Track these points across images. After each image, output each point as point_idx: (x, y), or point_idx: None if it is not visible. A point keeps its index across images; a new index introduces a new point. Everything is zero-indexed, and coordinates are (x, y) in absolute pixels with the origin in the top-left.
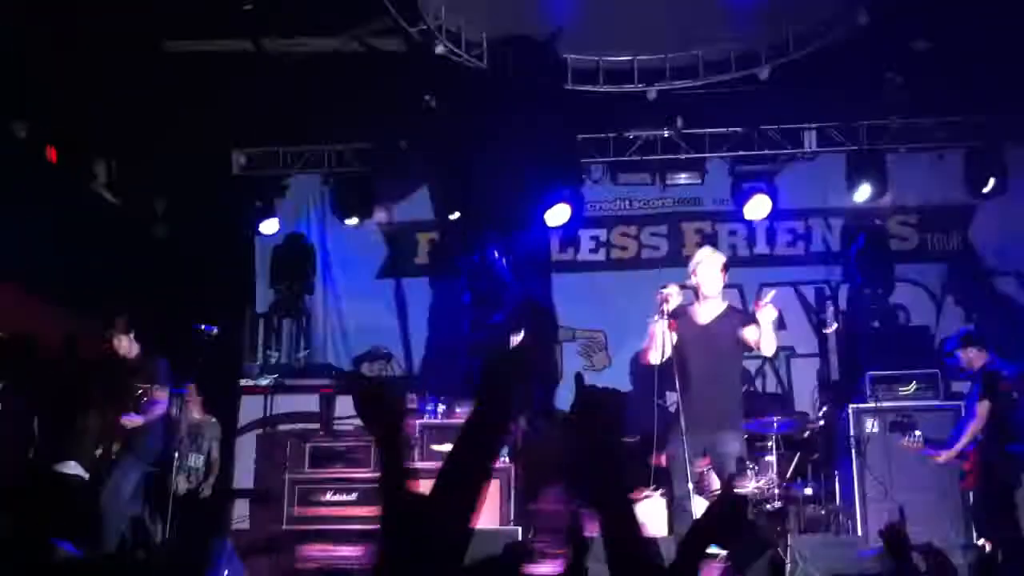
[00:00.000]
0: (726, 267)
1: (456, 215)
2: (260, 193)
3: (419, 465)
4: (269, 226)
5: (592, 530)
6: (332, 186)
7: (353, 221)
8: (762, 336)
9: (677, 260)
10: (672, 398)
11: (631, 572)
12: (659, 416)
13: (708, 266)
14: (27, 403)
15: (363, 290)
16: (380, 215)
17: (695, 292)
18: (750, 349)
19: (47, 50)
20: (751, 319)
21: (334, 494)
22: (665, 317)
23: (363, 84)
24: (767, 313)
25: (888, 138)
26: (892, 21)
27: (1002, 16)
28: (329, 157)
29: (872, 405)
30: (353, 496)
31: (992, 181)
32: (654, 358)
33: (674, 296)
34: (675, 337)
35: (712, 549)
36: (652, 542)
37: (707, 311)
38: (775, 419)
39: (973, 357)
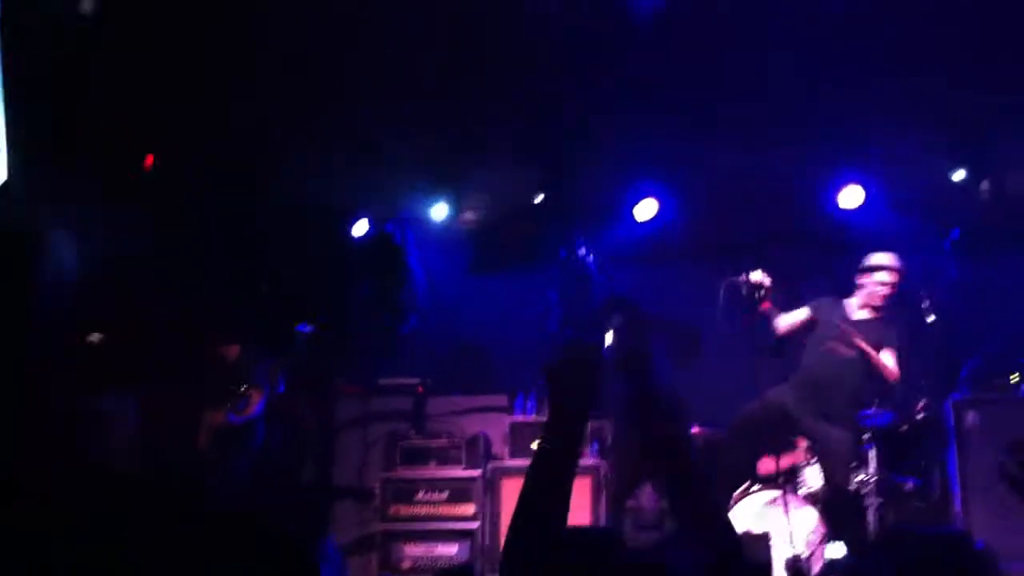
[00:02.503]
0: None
1: (541, 197)
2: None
3: (512, 463)
4: (360, 227)
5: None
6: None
7: (441, 215)
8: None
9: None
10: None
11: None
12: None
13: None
14: (133, 404)
15: (451, 289)
16: (468, 213)
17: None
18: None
19: None
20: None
21: (426, 493)
22: (761, 299)
23: None
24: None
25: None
26: None
27: None
28: None
29: (972, 397)
30: (445, 495)
31: None
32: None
33: (760, 280)
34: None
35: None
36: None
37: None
38: (874, 411)
39: None
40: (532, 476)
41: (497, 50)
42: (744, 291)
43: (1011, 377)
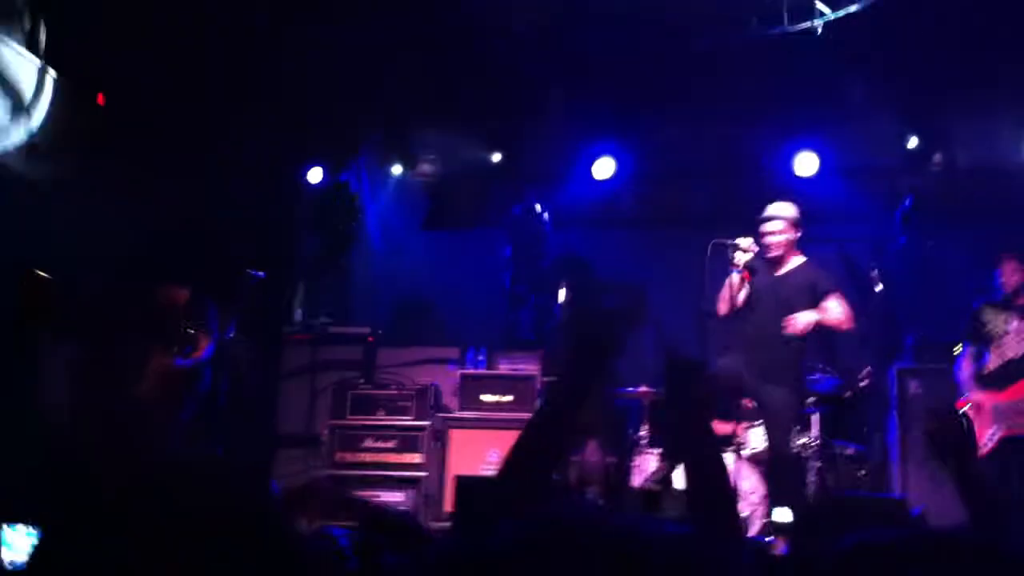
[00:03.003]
0: (796, 222)
1: (498, 157)
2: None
3: (461, 415)
4: (314, 175)
5: (633, 481)
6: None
7: (398, 170)
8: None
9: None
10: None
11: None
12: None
13: (774, 222)
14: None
15: (404, 242)
16: (423, 166)
17: (765, 248)
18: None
19: None
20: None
21: (374, 441)
22: (740, 269)
23: None
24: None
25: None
26: None
27: None
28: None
29: (916, 366)
30: (392, 443)
31: None
32: (723, 309)
33: (746, 247)
34: (748, 289)
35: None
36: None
37: (787, 264)
38: (818, 376)
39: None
40: (528, 433)
41: (454, 11)
42: (729, 254)
43: (955, 348)
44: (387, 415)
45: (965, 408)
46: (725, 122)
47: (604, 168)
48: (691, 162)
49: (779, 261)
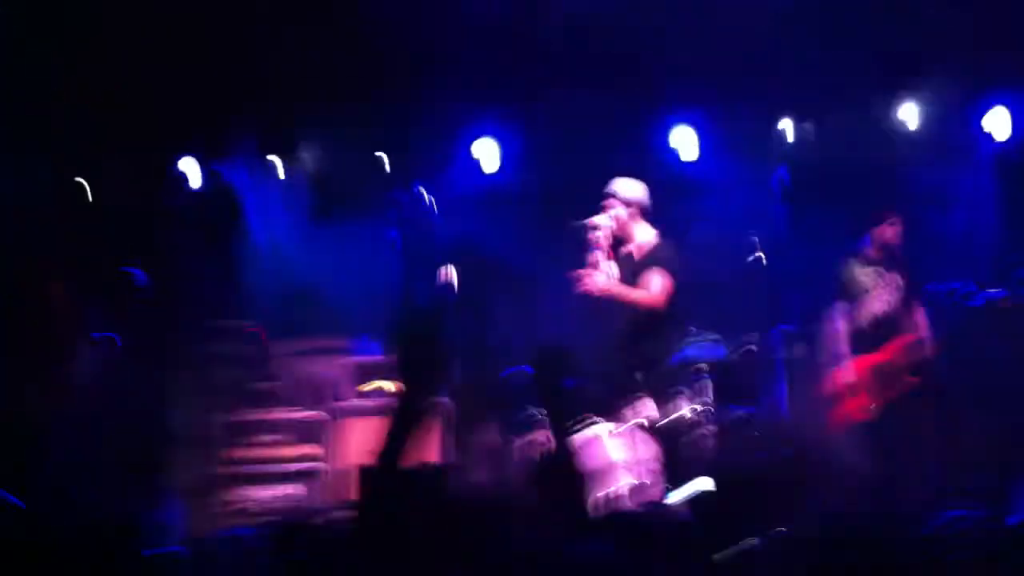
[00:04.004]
0: (632, 201)
1: (382, 155)
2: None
3: (357, 404)
4: (193, 170)
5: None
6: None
7: (276, 160)
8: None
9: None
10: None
11: None
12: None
13: (610, 200)
14: None
15: (290, 233)
16: (305, 157)
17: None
18: None
19: None
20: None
21: (268, 435)
22: (599, 248)
23: None
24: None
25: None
26: None
27: None
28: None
29: (799, 330)
30: (288, 436)
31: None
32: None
33: (604, 225)
34: (616, 269)
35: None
36: None
37: (634, 242)
38: (707, 343)
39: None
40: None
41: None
42: (586, 235)
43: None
44: (281, 408)
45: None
46: (606, 100)
47: (487, 151)
48: (574, 141)
49: (627, 239)
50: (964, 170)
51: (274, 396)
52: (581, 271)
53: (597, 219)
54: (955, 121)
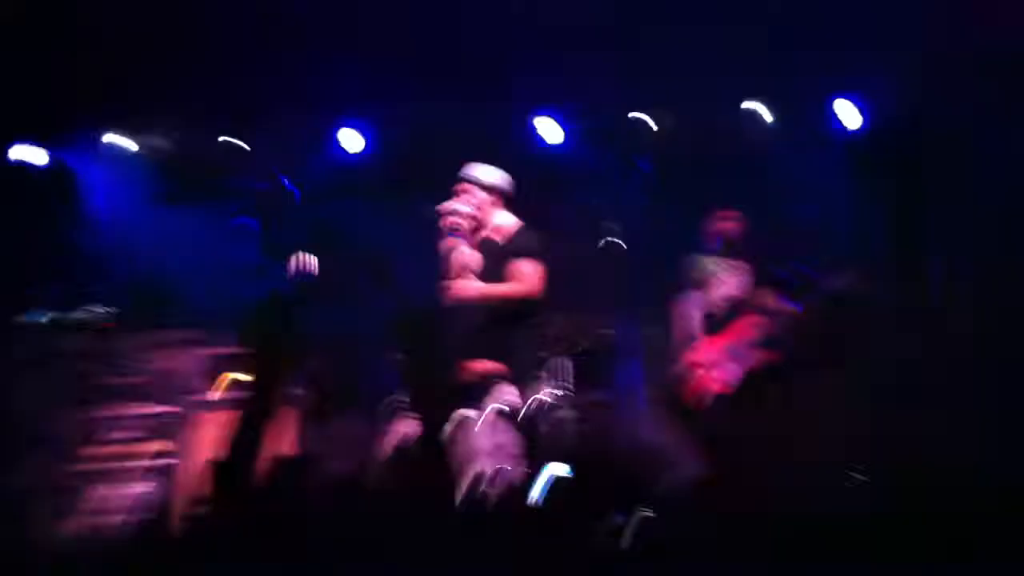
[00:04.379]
0: (491, 187)
1: (227, 139)
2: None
3: (211, 397)
4: (27, 153)
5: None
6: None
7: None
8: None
9: None
10: None
11: None
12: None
13: (477, 187)
14: None
15: (140, 220)
16: (157, 140)
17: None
18: None
19: None
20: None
21: (119, 432)
22: (460, 235)
23: None
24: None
25: None
26: None
27: None
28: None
29: (654, 314)
30: (139, 433)
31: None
32: (452, 276)
33: (463, 211)
34: (478, 256)
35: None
36: None
37: (503, 229)
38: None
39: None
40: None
41: None
42: (440, 220)
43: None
44: (131, 404)
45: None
46: (471, 89)
47: (351, 139)
48: (437, 130)
49: (492, 228)
50: (818, 160)
51: (124, 391)
52: (452, 279)
53: (453, 204)
54: (809, 113)
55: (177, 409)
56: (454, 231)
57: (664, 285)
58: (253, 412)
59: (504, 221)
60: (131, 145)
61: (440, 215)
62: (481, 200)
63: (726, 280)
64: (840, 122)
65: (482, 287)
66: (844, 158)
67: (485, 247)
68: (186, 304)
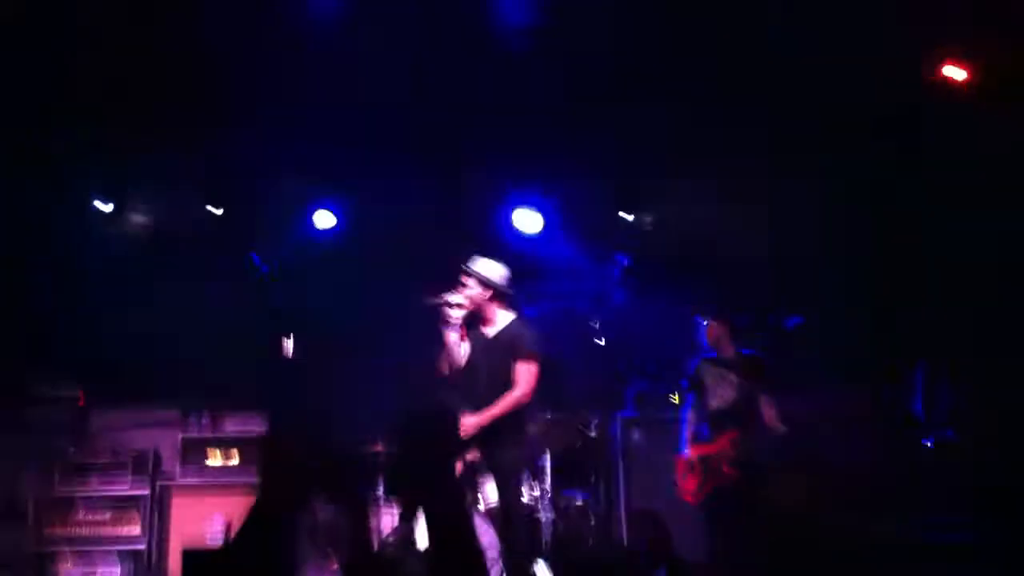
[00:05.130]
0: (488, 282)
1: (219, 211)
2: None
3: (184, 480)
4: None
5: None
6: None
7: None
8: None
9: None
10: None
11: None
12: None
13: (466, 279)
14: None
15: (116, 294)
16: (137, 216)
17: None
18: None
19: None
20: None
21: (87, 512)
22: (453, 325)
23: None
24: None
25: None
26: None
27: None
28: None
29: (638, 416)
30: (108, 514)
31: None
32: (444, 369)
33: (458, 303)
34: (468, 348)
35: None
36: None
37: (496, 323)
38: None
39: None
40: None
41: (163, 55)
42: (441, 312)
43: (671, 397)
44: (101, 483)
45: (682, 464)
46: (453, 174)
47: (325, 219)
48: (416, 212)
49: (485, 320)
50: None
51: (94, 469)
52: (442, 370)
53: (451, 297)
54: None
55: (150, 491)
56: (448, 322)
57: (648, 386)
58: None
59: (500, 316)
60: (116, 218)
61: (436, 305)
62: (479, 293)
63: (717, 392)
64: None
65: (485, 417)
66: None
67: (478, 340)
68: (165, 383)
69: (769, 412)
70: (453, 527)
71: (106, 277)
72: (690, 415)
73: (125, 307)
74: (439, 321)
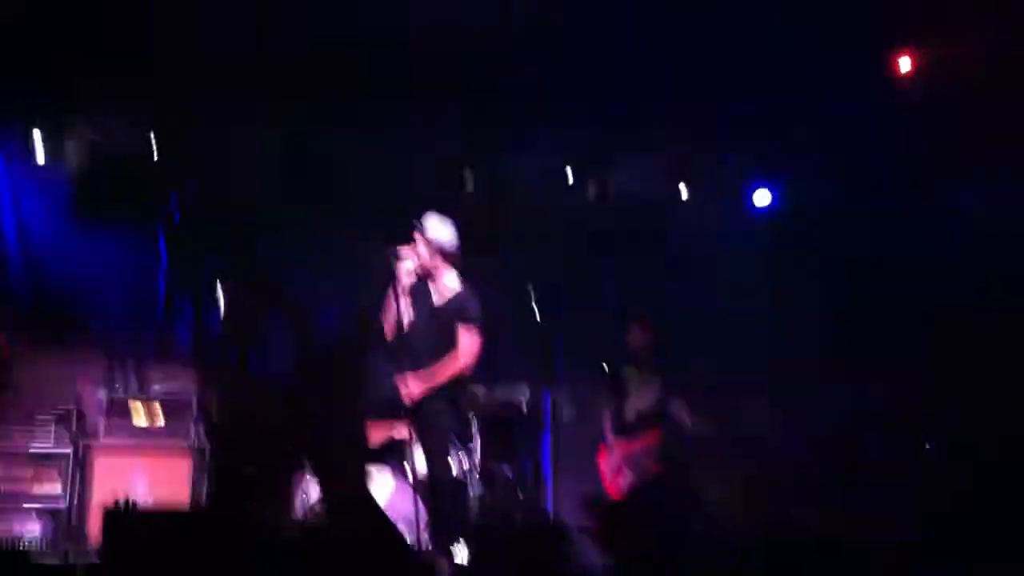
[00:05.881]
0: (446, 251)
1: (157, 147)
2: None
3: (108, 440)
4: None
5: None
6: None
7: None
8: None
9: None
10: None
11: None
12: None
13: (423, 240)
14: None
15: (46, 237)
16: (72, 152)
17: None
18: None
19: None
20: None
21: (6, 467)
22: (400, 289)
23: None
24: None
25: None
26: None
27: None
28: None
29: (568, 386)
30: (28, 471)
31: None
32: (388, 332)
33: (406, 261)
34: (412, 312)
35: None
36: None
37: (443, 286)
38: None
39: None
40: None
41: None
42: (393, 266)
43: (604, 365)
44: (22, 439)
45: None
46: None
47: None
48: (358, 162)
49: (432, 281)
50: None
51: (15, 425)
52: (402, 381)
53: (404, 251)
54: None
55: (72, 449)
56: (396, 281)
57: (579, 359)
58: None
59: (447, 279)
60: (48, 155)
61: (392, 256)
62: (425, 253)
63: (640, 394)
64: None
65: (427, 382)
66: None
67: (422, 302)
68: (92, 333)
69: (682, 413)
70: (358, 496)
71: (35, 219)
72: (608, 415)
73: (51, 253)
74: (392, 277)
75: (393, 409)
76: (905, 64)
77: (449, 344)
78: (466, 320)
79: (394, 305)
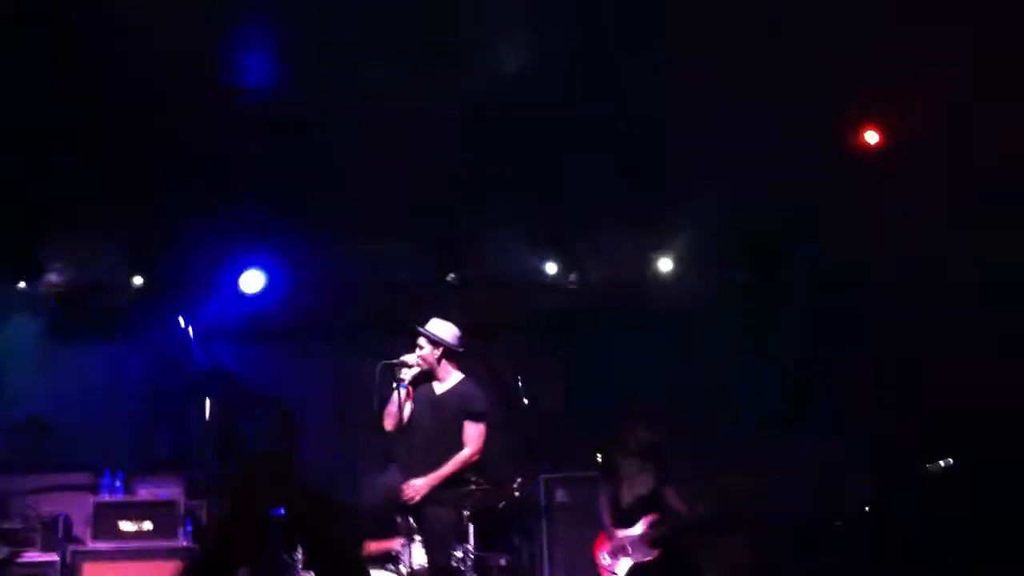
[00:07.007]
0: (440, 343)
1: (139, 280)
2: None
3: (96, 546)
4: None
5: None
6: None
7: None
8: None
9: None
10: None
11: None
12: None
13: (421, 339)
14: None
15: (27, 357)
16: (52, 276)
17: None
18: None
19: None
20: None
21: None
22: (403, 385)
23: None
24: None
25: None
26: None
27: None
28: None
29: (560, 475)
30: None
31: None
32: (389, 425)
33: (412, 363)
34: (412, 406)
35: None
36: None
37: (445, 381)
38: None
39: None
40: None
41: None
42: (396, 372)
43: (598, 454)
44: (10, 550)
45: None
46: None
47: (252, 281)
48: (338, 274)
49: (436, 378)
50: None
51: (2, 536)
52: (408, 487)
53: (407, 358)
54: None
55: (60, 558)
56: (400, 382)
57: (571, 443)
58: None
59: (448, 376)
60: (27, 281)
61: (396, 368)
62: (430, 352)
63: (638, 481)
64: None
65: (426, 483)
66: None
67: (424, 397)
68: (78, 447)
69: (675, 500)
70: None
71: (15, 340)
72: (605, 502)
73: (37, 369)
74: (395, 380)
75: (389, 510)
76: (872, 137)
77: (449, 436)
78: (473, 412)
79: (396, 399)
